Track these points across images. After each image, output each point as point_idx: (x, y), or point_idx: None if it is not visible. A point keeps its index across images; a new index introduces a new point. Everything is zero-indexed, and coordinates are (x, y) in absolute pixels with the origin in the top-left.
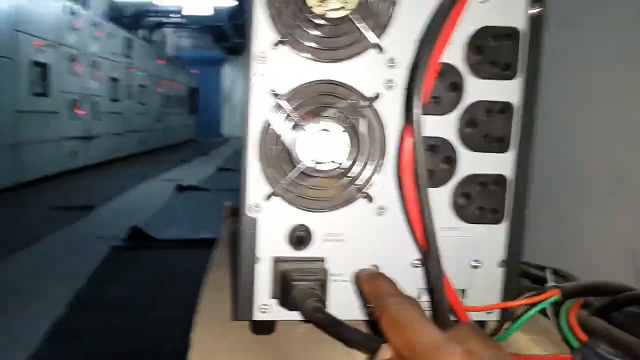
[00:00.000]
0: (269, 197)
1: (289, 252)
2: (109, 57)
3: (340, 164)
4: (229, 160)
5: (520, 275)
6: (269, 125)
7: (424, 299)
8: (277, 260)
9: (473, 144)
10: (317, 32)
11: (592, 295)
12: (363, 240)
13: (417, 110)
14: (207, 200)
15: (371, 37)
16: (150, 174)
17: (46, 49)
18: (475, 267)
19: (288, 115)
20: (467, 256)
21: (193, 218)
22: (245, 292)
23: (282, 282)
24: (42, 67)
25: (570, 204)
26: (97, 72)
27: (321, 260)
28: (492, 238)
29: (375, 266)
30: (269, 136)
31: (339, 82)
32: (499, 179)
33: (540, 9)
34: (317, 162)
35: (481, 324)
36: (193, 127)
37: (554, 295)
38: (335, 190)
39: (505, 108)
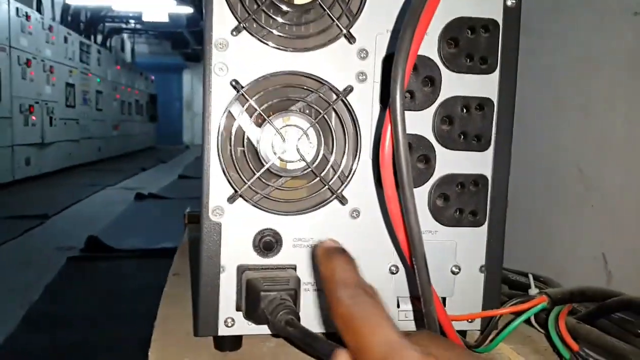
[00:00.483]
0: (232, 198)
1: (256, 259)
2: (64, 62)
3: (310, 162)
4: (190, 168)
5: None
6: (231, 120)
7: (404, 308)
8: (243, 269)
9: (450, 142)
10: (283, 19)
11: (579, 301)
12: None
13: (399, 101)
14: (168, 209)
15: (341, 24)
16: (109, 182)
17: None
18: (455, 273)
19: (252, 109)
20: (446, 262)
21: (153, 227)
22: (207, 305)
23: (248, 293)
24: None
25: (541, 208)
26: (52, 77)
27: (292, 267)
28: (472, 242)
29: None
30: (231, 132)
31: (307, 73)
32: (479, 179)
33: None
34: (284, 160)
35: (462, 333)
36: (153, 134)
37: (541, 302)
38: (306, 191)
39: (483, 104)
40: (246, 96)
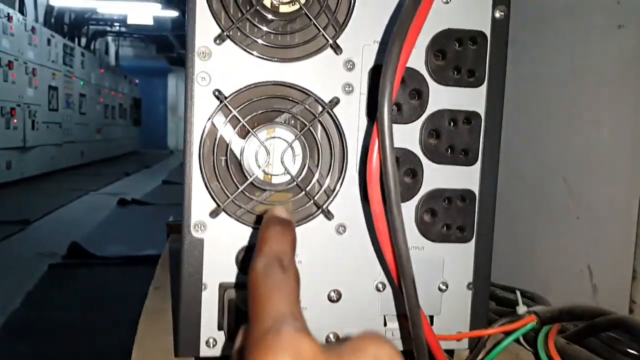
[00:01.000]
0: (215, 213)
1: (239, 277)
2: (47, 65)
3: (295, 175)
4: (174, 173)
5: None
6: (213, 131)
7: (391, 326)
8: (226, 287)
9: (437, 156)
10: (268, 28)
11: (568, 320)
12: (322, 262)
13: (387, 115)
14: (151, 215)
15: (328, 35)
16: (92, 187)
17: None
18: (442, 290)
19: (235, 120)
20: (434, 278)
21: (136, 233)
22: (188, 325)
23: (232, 312)
24: None
25: (526, 220)
26: (35, 79)
27: None
28: (460, 258)
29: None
30: (214, 144)
31: (292, 84)
32: (466, 194)
33: (504, 11)
34: (269, 174)
35: (450, 353)
36: (137, 138)
37: (530, 322)
38: (291, 205)
39: (471, 118)
40: (229, 107)
